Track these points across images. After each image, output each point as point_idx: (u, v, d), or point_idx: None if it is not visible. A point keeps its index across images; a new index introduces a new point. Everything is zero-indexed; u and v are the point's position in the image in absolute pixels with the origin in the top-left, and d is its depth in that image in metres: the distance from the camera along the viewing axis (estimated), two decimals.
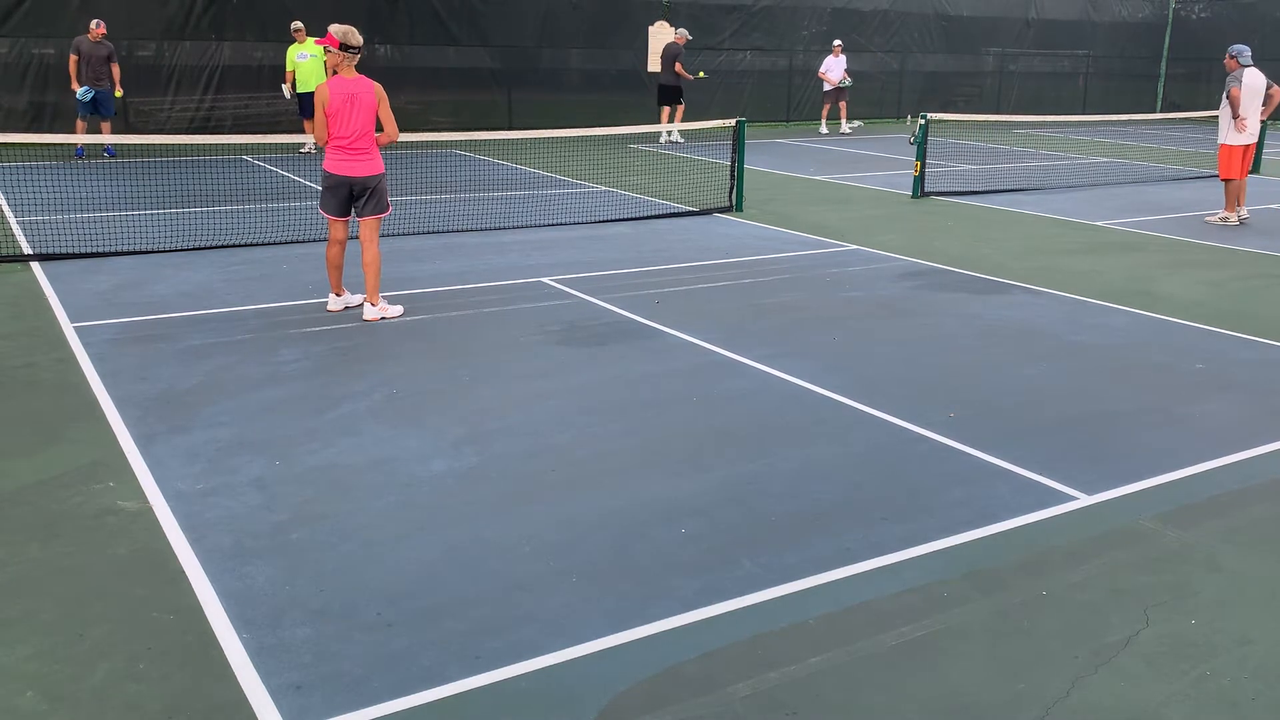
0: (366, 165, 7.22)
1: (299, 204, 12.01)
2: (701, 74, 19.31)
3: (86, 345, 6.66)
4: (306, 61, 16.05)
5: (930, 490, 4.77)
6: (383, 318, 7.38)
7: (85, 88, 14.95)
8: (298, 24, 16.09)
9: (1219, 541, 4.36)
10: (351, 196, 7.30)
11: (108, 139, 13.41)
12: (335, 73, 7.18)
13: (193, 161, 15.29)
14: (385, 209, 7.40)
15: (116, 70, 15.22)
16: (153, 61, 17.49)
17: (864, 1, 24.38)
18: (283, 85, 16.65)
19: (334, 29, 7.06)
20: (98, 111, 15.23)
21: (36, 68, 16.62)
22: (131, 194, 12.26)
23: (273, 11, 18.16)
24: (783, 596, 3.86)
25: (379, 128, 7.28)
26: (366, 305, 7.40)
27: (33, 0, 16.32)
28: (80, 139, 13.17)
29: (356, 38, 7.10)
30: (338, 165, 7.21)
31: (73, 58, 15.04)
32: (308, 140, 12.53)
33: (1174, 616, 3.78)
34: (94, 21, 15.15)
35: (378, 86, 7.18)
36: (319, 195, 7.48)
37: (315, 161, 15.84)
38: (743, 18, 22.94)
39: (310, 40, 15.88)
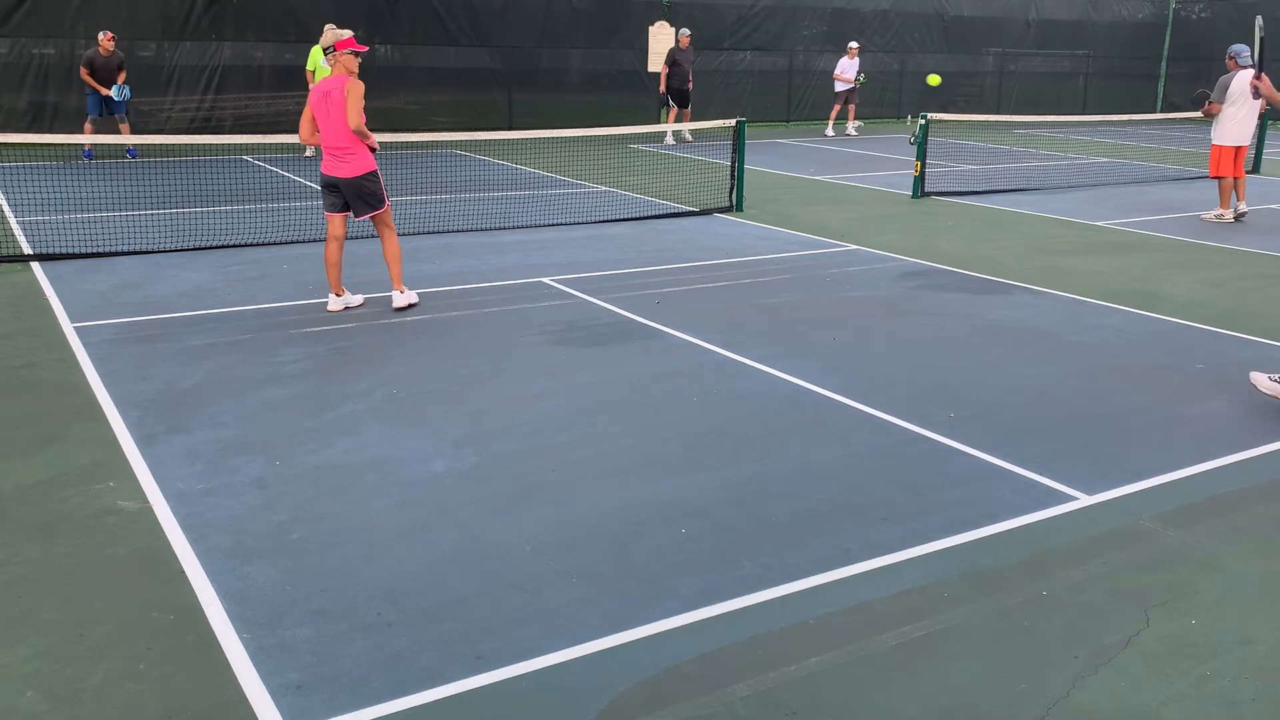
0: (350, 166, 7.25)
1: (299, 204, 12.00)
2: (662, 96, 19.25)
3: (87, 345, 6.66)
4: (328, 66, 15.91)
5: (930, 490, 4.77)
6: (411, 304, 7.62)
7: (117, 87, 15.04)
8: (330, 26, 15.90)
9: (1219, 541, 4.36)
10: (343, 196, 7.39)
11: (127, 139, 13.46)
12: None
13: (193, 161, 15.28)
14: (382, 205, 7.42)
15: (123, 76, 15.28)
16: (153, 61, 17.48)
17: (864, 1, 24.37)
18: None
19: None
20: (110, 112, 15.23)
21: (37, 68, 16.61)
22: (132, 194, 12.25)
23: (273, 11, 18.16)
24: (783, 596, 3.86)
25: None
26: (395, 294, 7.60)
27: (33, 0, 16.31)
28: (86, 139, 13.15)
29: (324, 39, 7.15)
30: (325, 166, 7.36)
31: (84, 70, 15.01)
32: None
33: (1174, 616, 3.78)
34: (102, 33, 15.07)
35: (351, 83, 7.07)
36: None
37: (314, 163, 15.83)
38: (743, 18, 22.93)
39: None
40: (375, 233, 7.93)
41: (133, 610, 3.69)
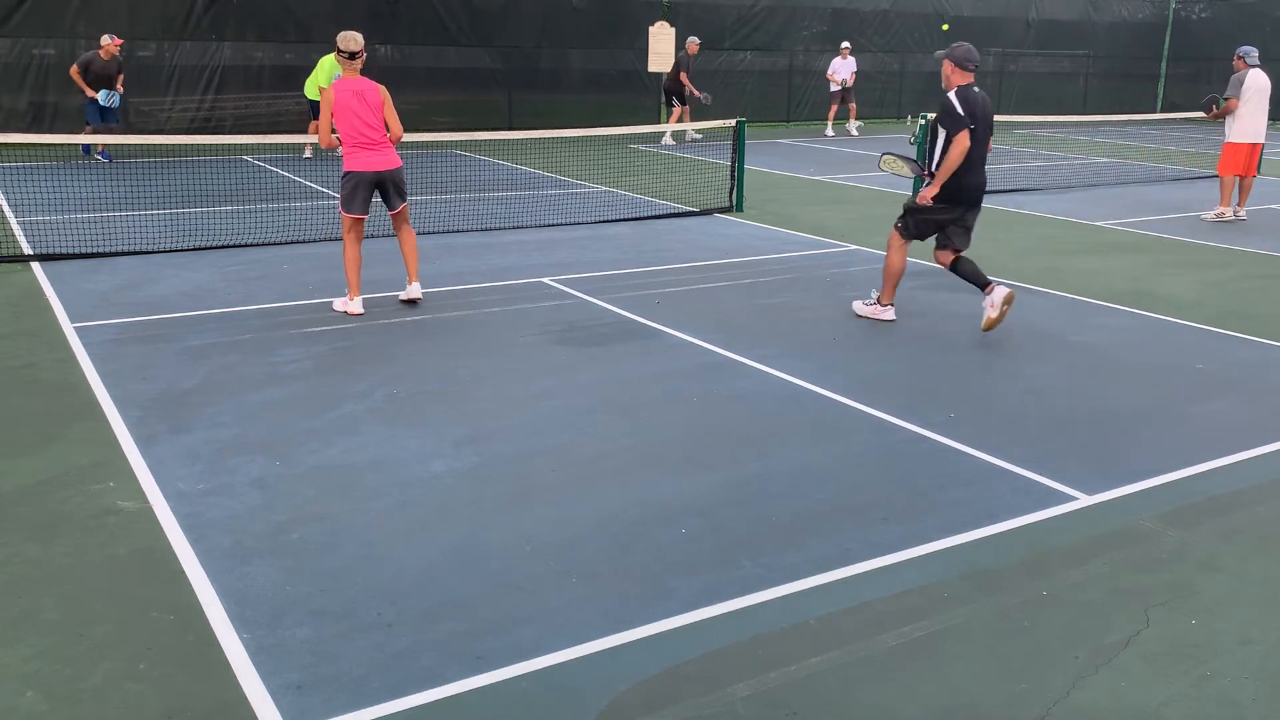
0: (391, 158, 7.48)
1: (299, 204, 12.01)
2: (703, 97, 19.22)
3: (86, 345, 6.66)
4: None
5: (930, 490, 4.77)
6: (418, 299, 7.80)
7: (105, 91, 14.45)
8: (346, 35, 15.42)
9: (1219, 541, 4.36)
10: (375, 191, 7.49)
11: (108, 139, 13.28)
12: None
13: (193, 162, 15.28)
14: (406, 197, 7.73)
15: (121, 80, 14.80)
16: (153, 61, 17.47)
17: (864, 1, 24.38)
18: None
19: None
20: (104, 119, 14.69)
21: (37, 68, 16.60)
22: (132, 194, 12.26)
23: (273, 12, 18.15)
24: (783, 596, 3.86)
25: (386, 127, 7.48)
26: (414, 285, 7.77)
27: (33, 0, 16.31)
28: (84, 139, 13.05)
29: (353, 43, 7.31)
30: (366, 161, 7.36)
31: (75, 69, 14.52)
32: (310, 140, 12.48)
33: (1174, 616, 3.79)
34: (109, 38, 14.56)
35: (382, 87, 7.39)
36: (342, 196, 7.44)
37: (313, 165, 15.83)
38: (743, 18, 22.94)
39: None
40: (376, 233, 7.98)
41: (133, 610, 3.69)
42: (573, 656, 3.46)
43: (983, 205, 7.46)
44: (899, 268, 7.48)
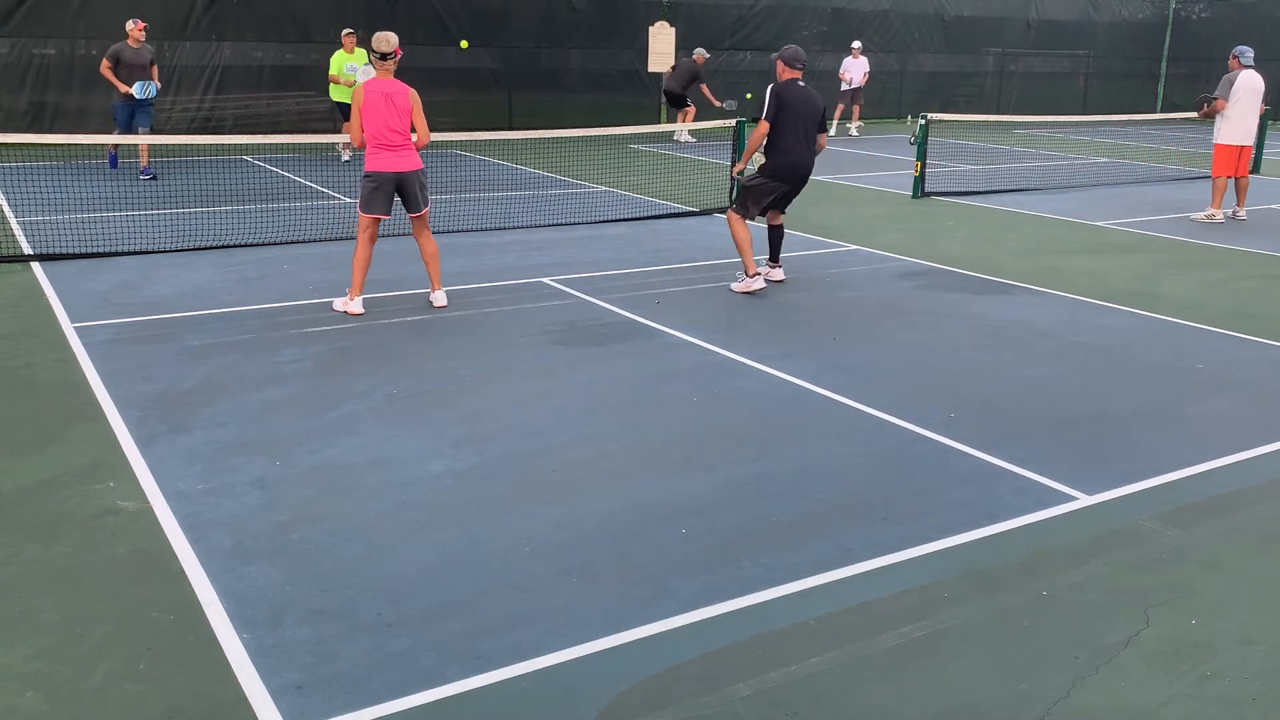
0: (412, 160, 7.47)
1: (299, 204, 12.01)
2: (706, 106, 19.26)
3: (86, 345, 6.66)
4: (354, 74, 14.88)
5: (930, 490, 4.77)
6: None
7: (141, 83, 12.98)
8: (349, 30, 14.94)
9: (1219, 541, 4.36)
10: (396, 193, 7.49)
11: (136, 140, 12.52)
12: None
13: (193, 161, 15.28)
14: (429, 200, 7.74)
15: (155, 71, 13.53)
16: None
17: (864, 1, 24.38)
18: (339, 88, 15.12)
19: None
20: (133, 124, 13.22)
21: (37, 68, 16.61)
22: (131, 194, 12.25)
23: (273, 12, 18.16)
24: (783, 596, 3.86)
25: (413, 130, 7.49)
26: (439, 294, 7.77)
27: (33, 0, 16.30)
28: (102, 139, 12.79)
29: (384, 44, 7.35)
30: (386, 163, 7.37)
31: (106, 64, 13.03)
32: (342, 140, 12.44)
33: (1174, 616, 3.78)
34: (132, 22, 13.06)
35: (412, 91, 7.41)
36: (361, 197, 7.43)
37: (314, 165, 15.81)
38: (743, 18, 22.93)
39: (360, 51, 14.70)
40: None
41: (133, 610, 3.69)
42: (573, 656, 3.46)
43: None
44: (747, 237, 8.32)
